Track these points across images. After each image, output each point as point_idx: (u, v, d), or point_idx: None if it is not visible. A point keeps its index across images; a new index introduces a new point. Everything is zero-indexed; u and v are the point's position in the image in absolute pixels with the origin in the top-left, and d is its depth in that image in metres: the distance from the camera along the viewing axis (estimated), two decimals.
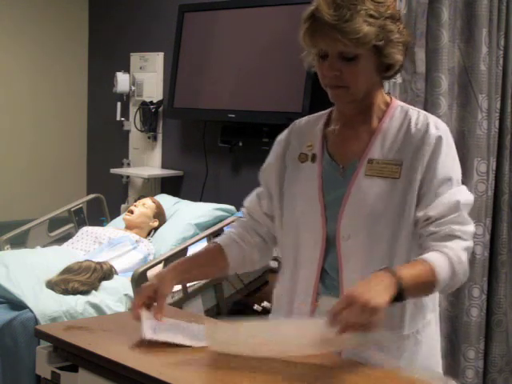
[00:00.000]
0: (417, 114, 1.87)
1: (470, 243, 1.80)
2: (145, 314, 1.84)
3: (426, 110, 3.08)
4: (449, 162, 1.81)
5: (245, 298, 3.83)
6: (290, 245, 1.94)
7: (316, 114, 2.01)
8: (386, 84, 3.53)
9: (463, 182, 1.86)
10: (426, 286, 1.73)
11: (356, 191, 1.83)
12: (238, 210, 3.88)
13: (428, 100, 3.09)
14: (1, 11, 5.25)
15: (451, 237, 1.76)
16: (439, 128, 1.83)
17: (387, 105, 1.89)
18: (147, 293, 1.88)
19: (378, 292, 1.60)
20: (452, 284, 1.78)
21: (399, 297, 1.64)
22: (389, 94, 1.98)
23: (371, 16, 1.74)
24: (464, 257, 1.77)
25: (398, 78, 3.04)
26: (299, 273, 1.92)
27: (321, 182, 1.89)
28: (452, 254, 1.74)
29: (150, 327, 1.80)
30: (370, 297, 1.57)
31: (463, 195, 1.81)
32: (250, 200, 2.06)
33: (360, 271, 1.81)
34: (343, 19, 1.71)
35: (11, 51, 5.32)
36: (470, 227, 1.80)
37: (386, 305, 1.59)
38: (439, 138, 1.80)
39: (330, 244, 1.87)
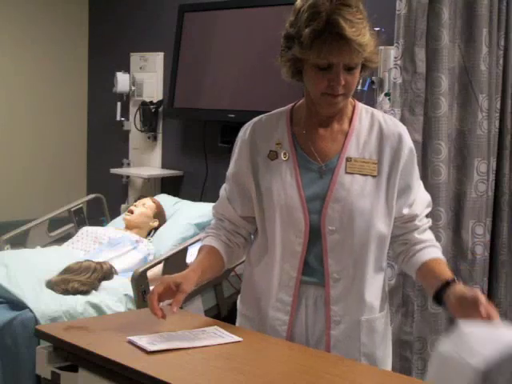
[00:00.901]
0: (382, 117, 2.04)
1: None
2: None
3: (426, 110, 3.08)
4: (417, 165, 2.05)
5: None
6: (275, 241, 2.00)
7: (274, 112, 2.11)
8: (386, 84, 3.54)
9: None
10: None
11: (338, 187, 1.96)
12: None
13: (428, 100, 3.08)
14: (1, 11, 5.25)
15: (428, 229, 2.06)
16: (406, 131, 2.02)
17: (353, 106, 2.03)
18: (171, 282, 1.93)
19: None
20: None
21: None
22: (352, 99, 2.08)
23: (369, 29, 1.89)
24: None
25: (398, 78, 3.04)
26: (284, 266, 2.00)
27: (299, 178, 1.98)
28: (439, 245, 2.07)
29: (149, 342, 1.80)
30: None
31: (424, 190, 2.08)
32: (221, 206, 2.14)
33: (341, 262, 1.97)
34: (361, 34, 1.84)
35: (11, 51, 5.32)
36: None
37: None
38: (411, 146, 2.01)
39: (314, 237, 1.97)
